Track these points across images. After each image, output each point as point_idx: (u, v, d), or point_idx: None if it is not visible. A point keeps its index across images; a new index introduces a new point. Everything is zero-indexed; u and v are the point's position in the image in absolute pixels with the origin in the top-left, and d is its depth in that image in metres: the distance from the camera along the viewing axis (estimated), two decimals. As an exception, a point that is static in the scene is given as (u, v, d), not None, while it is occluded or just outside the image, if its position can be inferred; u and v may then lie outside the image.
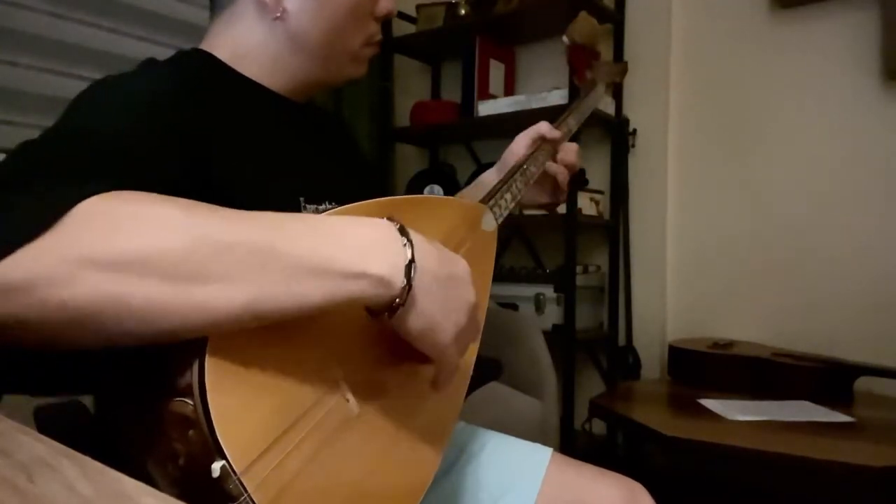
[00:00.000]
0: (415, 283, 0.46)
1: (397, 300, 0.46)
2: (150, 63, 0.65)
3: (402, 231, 0.48)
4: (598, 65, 1.20)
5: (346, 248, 0.45)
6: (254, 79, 0.70)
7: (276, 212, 0.47)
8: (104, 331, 0.39)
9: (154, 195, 0.43)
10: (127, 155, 0.51)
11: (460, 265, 0.53)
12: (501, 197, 0.81)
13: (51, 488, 0.30)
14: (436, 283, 0.49)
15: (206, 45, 0.70)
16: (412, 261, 0.46)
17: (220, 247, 0.41)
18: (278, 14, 0.68)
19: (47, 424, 0.66)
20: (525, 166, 0.89)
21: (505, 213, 0.81)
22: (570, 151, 0.97)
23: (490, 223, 0.77)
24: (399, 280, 0.46)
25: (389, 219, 0.49)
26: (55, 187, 0.42)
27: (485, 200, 0.79)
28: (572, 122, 1.02)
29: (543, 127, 0.95)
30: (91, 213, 0.39)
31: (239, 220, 0.43)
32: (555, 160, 0.96)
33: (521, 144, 0.96)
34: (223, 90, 0.66)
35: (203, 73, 0.67)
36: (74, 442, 0.36)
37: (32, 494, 0.29)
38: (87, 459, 0.33)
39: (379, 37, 0.76)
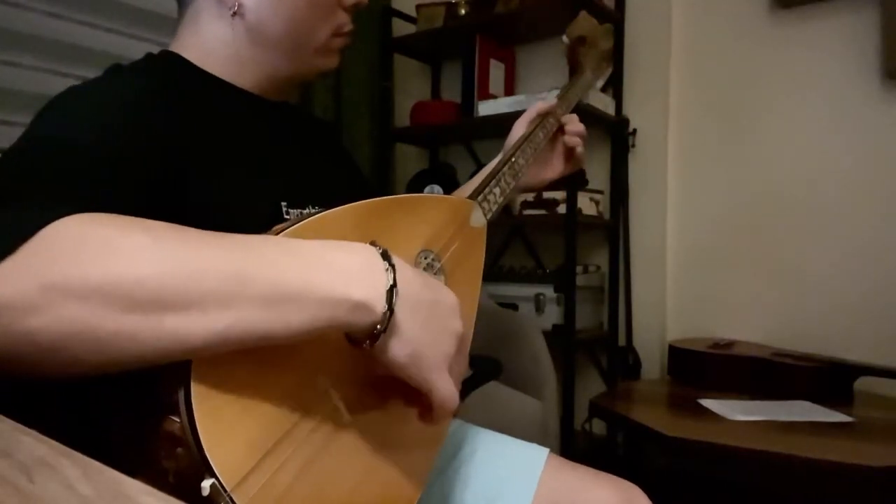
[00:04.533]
0: (397, 308, 0.45)
1: (378, 326, 0.44)
2: (116, 69, 0.63)
3: (385, 256, 0.47)
4: (585, 51, 1.19)
5: (324, 272, 0.44)
6: (223, 78, 0.68)
7: (249, 216, 0.46)
8: (75, 360, 0.38)
9: (125, 218, 0.41)
10: (98, 167, 0.49)
11: (446, 295, 0.51)
12: (490, 192, 0.80)
13: (51, 488, 0.30)
14: (419, 310, 0.47)
15: (174, 46, 0.69)
16: (394, 286, 0.45)
17: (192, 274, 0.39)
18: (234, 9, 0.66)
19: (47, 424, 0.66)
20: (513, 159, 0.87)
21: (494, 208, 0.80)
22: (574, 121, 1.01)
23: (479, 219, 0.76)
24: (380, 305, 0.44)
25: (372, 243, 0.48)
26: (23, 207, 0.41)
27: (473, 196, 0.77)
28: (560, 112, 1.02)
29: (539, 105, 1.00)
30: (59, 237, 0.38)
31: (212, 245, 0.42)
32: (563, 133, 1.00)
33: (520, 125, 0.99)
34: (193, 91, 0.64)
35: (171, 75, 0.65)
36: (74, 442, 0.36)
37: (32, 494, 0.29)
38: (87, 459, 0.33)
39: (350, 27, 0.73)
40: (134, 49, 1.68)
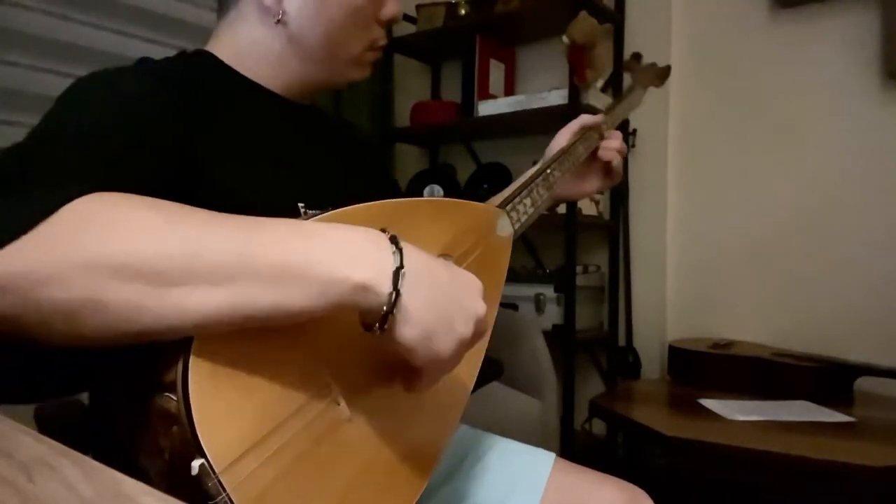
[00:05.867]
0: (403, 290, 0.45)
1: (385, 308, 0.44)
2: (144, 62, 0.64)
3: (393, 240, 0.47)
4: (640, 68, 1.18)
5: (329, 253, 0.44)
6: (254, 79, 0.69)
7: (265, 216, 0.46)
8: (83, 330, 0.40)
9: (136, 197, 0.43)
10: (112, 157, 0.50)
11: (465, 276, 0.51)
12: (521, 202, 0.80)
13: (51, 488, 0.30)
14: (432, 291, 0.47)
15: (209, 46, 0.70)
16: (400, 267, 0.45)
17: (198, 250, 0.41)
18: (279, 16, 0.67)
19: (47, 424, 0.66)
20: (549, 171, 0.87)
21: (524, 219, 0.80)
22: (615, 136, 1.00)
23: (506, 228, 0.76)
24: (385, 287, 0.44)
25: (382, 230, 0.48)
26: (41, 189, 0.42)
27: (502, 205, 0.77)
28: (604, 128, 1.00)
29: (583, 118, 0.99)
30: (73, 216, 0.40)
31: (219, 223, 0.43)
32: (597, 149, 0.99)
33: (563, 136, 0.98)
34: (220, 89, 0.66)
35: (200, 72, 0.66)
36: (74, 442, 0.36)
37: (32, 494, 0.29)
38: (87, 459, 0.33)
39: (383, 41, 0.75)
40: (134, 49, 1.68)
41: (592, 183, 1.01)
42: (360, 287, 0.44)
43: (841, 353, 1.61)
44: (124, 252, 0.40)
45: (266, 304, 0.42)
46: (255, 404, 0.43)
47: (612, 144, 0.99)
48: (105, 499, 0.29)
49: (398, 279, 0.44)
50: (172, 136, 0.56)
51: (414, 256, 0.47)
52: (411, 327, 0.46)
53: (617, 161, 0.99)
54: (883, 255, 1.67)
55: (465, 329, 0.48)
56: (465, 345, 0.49)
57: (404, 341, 0.46)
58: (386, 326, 0.45)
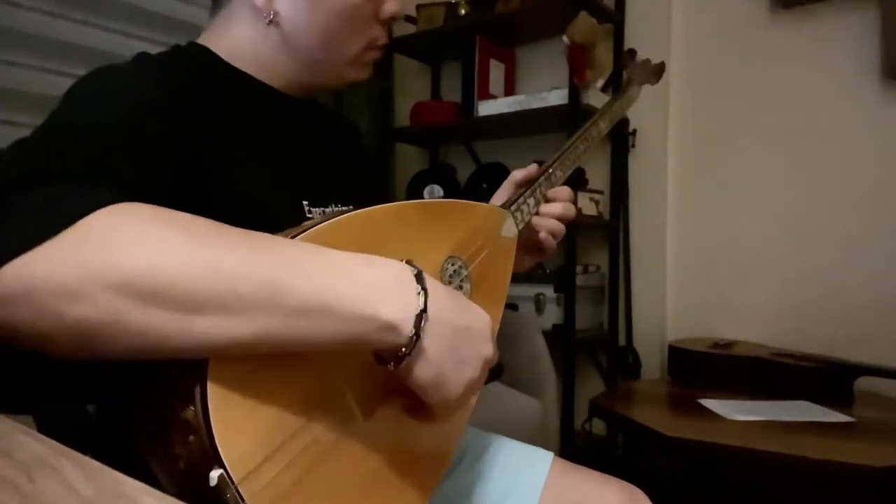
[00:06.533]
0: (424, 333, 0.45)
1: (403, 349, 0.45)
2: (144, 57, 0.63)
3: (419, 278, 0.46)
4: (634, 64, 1.18)
5: (356, 288, 0.44)
6: (252, 75, 0.69)
7: (268, 213, 0.45)
8: (98, 346, 0.39)
9: (163, 212, 0.42)
10: (121, 156, 0.50)
11: (479, 318, 0.51)
12: (525, 202, 0.80)
13: (51, 488, 0.30)
14: (449, 336, 0.47)
15: (203, 40, 0.69)
16: (423, 311, 0.45)
17: (226, 278, 0.40)
18: (270, 17, 0.66)
19: (47, 424, 0.66)
20: (551, 171, 0.86)
21: (528, 219, 0.80)
22: (559, 197, 0.85)
23: (511, 229, 0.76)
24: (407, 329, 0.44)
25: (408, 262, 0.48)
26: (63, 187, 0.41)
27: (506, 206, 0.77)
28: (603, 125, 1.00)
29: (514, 174, 0.88)
30: (101, 228, 0.39)
31: (247, 249, 0.42)
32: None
33: (502, 192, 0.88)
34: (220, 85, 0.65)
35: (199, 68, 0.65)
36: (74, 442, 0.36)
37: (32, 494, 0.29)
38: (87, 459, 0.33)
39: (383, 41, 0.73)
40: (134, 49, 1.66)
41: (522, 260, 0.86)
42: (387, 326, 0.44)
43: (841, 353, 1.61)
44: (153, 275, 0.38)
45: (290, 337, 0.42)
46: (272, 413, 0.43)
47: (551, 210, 0.84)
48: (105, 499, 0.29)
49: (420, 323, 0.45)
50: (177, 134, 0.55)
51: (436, 297, 0.47)
52: (425, 369, 0.47)
53: (550, 241, 0.84)
54: (883, 255, 1.67)
55: (474, 372, 0.50)
56: (473, 386, 0.50)
57: (417, 381, 0.47)
58: (401, 366, 0.46)
